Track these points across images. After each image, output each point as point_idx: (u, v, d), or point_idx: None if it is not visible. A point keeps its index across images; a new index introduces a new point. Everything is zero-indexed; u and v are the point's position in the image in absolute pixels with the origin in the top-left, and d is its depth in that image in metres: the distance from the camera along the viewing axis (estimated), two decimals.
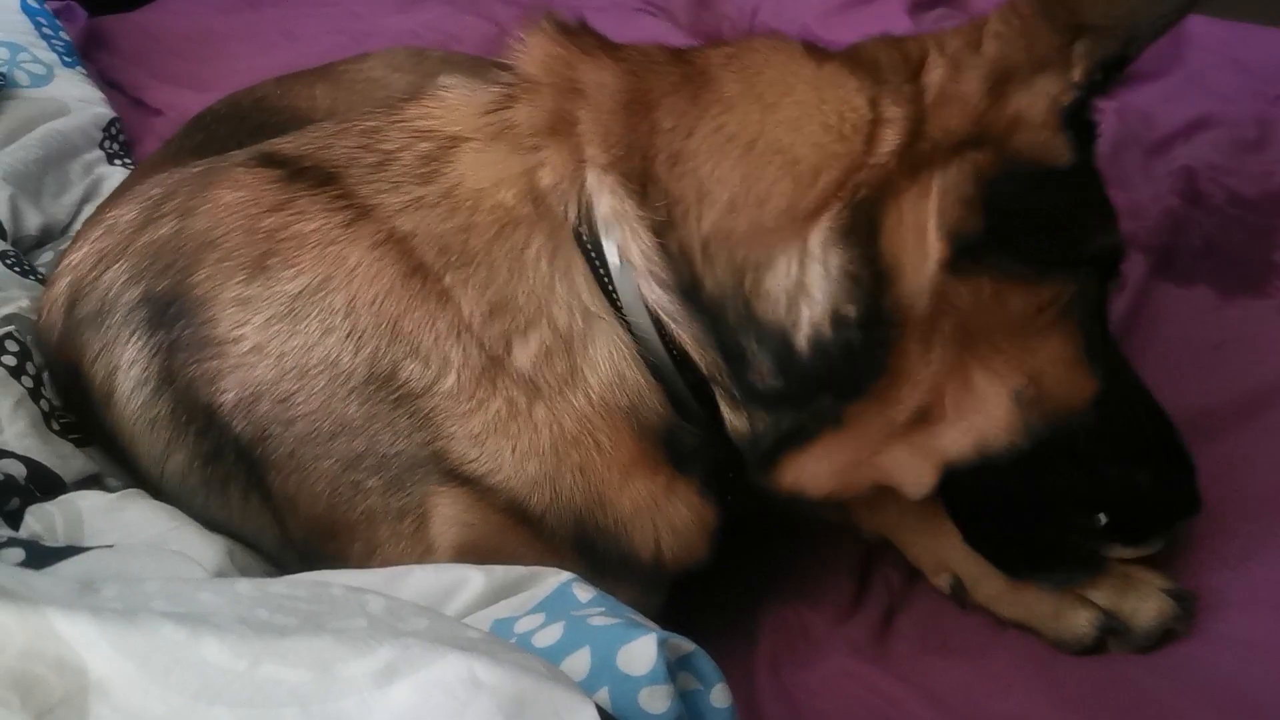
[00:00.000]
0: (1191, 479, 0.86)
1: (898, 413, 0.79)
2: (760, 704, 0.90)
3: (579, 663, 0.62)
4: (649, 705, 0.59)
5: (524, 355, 0.79)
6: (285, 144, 0.93)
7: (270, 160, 0.90)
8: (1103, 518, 0.86)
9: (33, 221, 1.43)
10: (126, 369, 0.88)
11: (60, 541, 0.82)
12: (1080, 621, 0.87)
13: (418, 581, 0.72)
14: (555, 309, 0.79)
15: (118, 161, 1.66)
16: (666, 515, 0.83)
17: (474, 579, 0.72)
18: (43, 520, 0.84)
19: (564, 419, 0.79)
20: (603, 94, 0.80)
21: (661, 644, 0.62)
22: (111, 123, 1.73)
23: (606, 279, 0.78)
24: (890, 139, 0.75)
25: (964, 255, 0.75)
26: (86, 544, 0.80)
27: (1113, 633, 0.87)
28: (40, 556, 0.73)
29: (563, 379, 0.79)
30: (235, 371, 0.82)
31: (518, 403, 0.79)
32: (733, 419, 0.80)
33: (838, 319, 0.75)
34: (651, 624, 0.67)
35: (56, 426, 0.97)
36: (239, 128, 1.24)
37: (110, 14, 2.23)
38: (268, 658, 0.51)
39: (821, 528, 1.03)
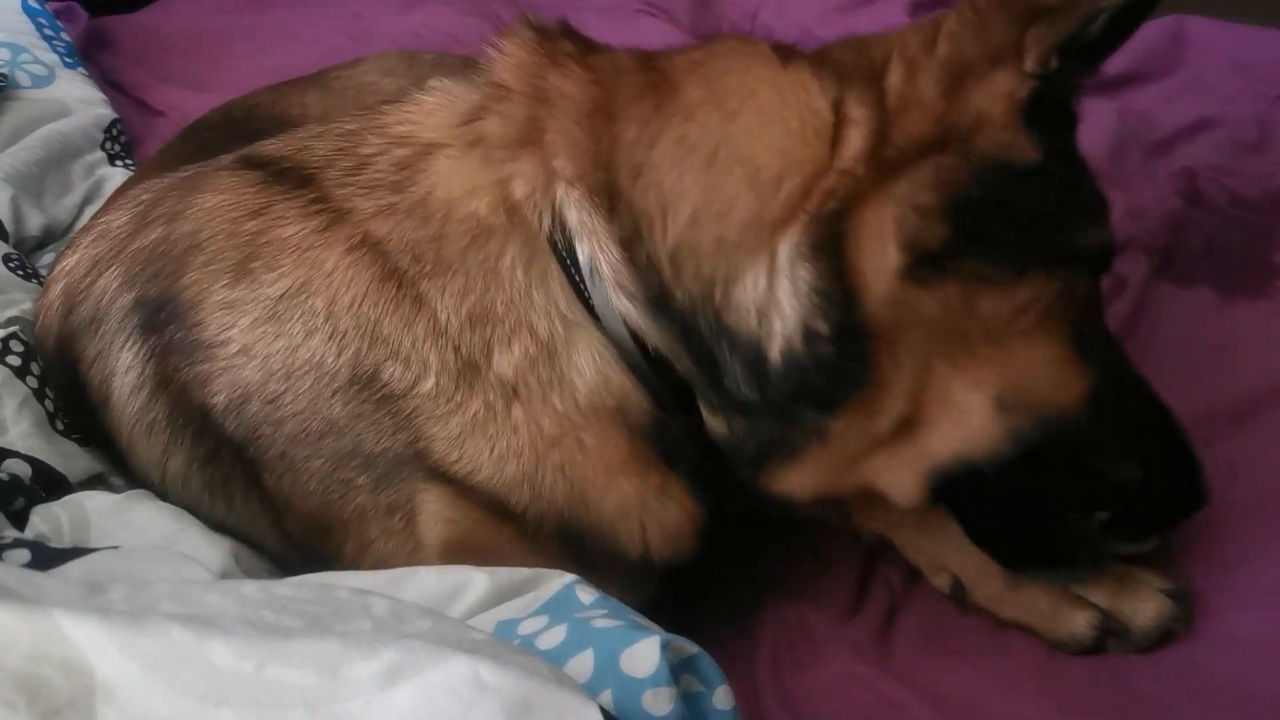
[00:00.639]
0: (1196, 474, 0.84)
1: (878, 423, 0.78)
2: (762, 705, 0.90)
3: (582, 665, 0.62)
4: (652, 707, 0.60)
5: (506, 363, 0.79)
6: (268, 146, 0.93)
7: (252, 163, 0.91)
8: (1103, 516, 0.84)
9: (34, 223, 1.43)
10: (123, 373, 0.89)
11: (66, 542, 0.82)
12: (1079, 622, 0.88)
13: (422, 583, 0.72)
14: (534, 317, 0.79)
15: (119, 163, 1.67)
16: (655, 512, 0.83)
17: (478, 581, 0.72)
18: (49, 521, 0.84)
19: (543, 421, 0.79)
20: (567, 104, 0.80)
21: (664, 646, 0.62)
22: (113, 124, 1.73)
23: (582, 286, 0.79)
24: (854, 141, 0.74)
25: (924, 264, 0.73)
26: (92, 545, 0.80)
27: (1112, 633, 0.87)
28: (46, 558, 0.73)
29: (546, 384, 0.79)
30: (225, 374, 0.83)
31: (495, 406, 0.79)
32: (712, 422, 0.80)
33: (809, 334, 0.74)
34: (655, 626, 0.67)
35: (60, 426, 0.98)
36: (232, 136, 1.25)
37: (112, 15, 2.23)
38: (273, 660, 0.51)
39: (821, 528, 1.03)
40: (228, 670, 0.50)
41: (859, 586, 1.00)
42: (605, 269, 0.77)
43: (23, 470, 0.89)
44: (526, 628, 0.67)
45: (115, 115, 1.76)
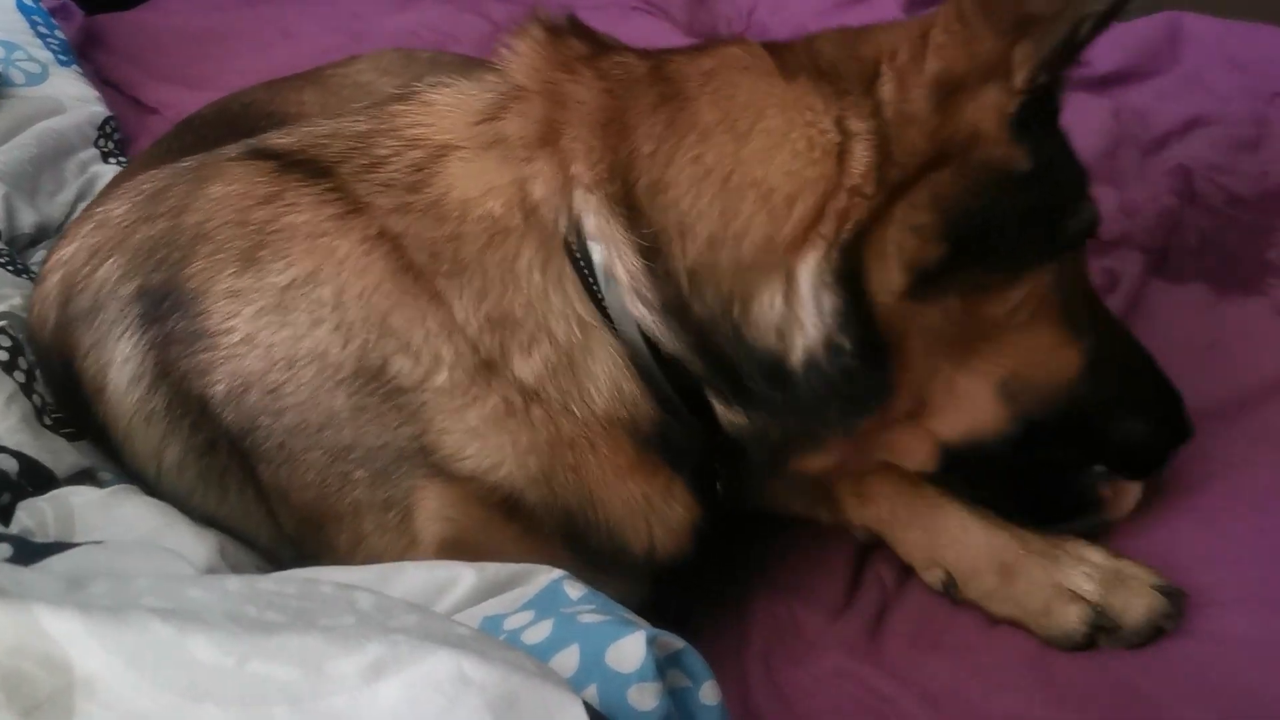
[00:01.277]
0: (1179, 408, 0.90)
1: (892, 414, 0.83)
2: (753, 701, 0.90)
3: (568, 660, 0.62)
4: (638, 702, 0.59)
5: (527, 369, 0.80)
6: (278, 139, 0.93)
7: (263, 154, 0.91)
8: (1100, 469, 0.90)
9: (27, 220, 1.43)
10: (120, 364, 0.88)
11: (51, 537, 0.82)
12: (1071, 618, 0.88)
13: (409, 579, 0.72)
14: (553, 320, 0.80)
15: (113, 160, 1.67)
16: (661, 513, 0.84)
17: (465, 576, 0.72)
18: (34, 515, 0.84)
19: (561, 423, 0.80)
20: (582, 110, 0.80)
21: (651, 641, 0.61)
22: (107, 121, 1.73)
23: (596, 288, 0.79)
24: (860, 156, 0.75)
25: (924, 283, 0.77)
26: (77, 540, 0.80)
27: (1103, 629, 0.87)
28: (28, 552, 0.73)
29: (565, 393, 0.80)
30: (226, 363, 0.83)
31: (515, 403, 0.80)
32: (730, 416, 0.81)
33: (833, 348, 0.76)
34: (641, 621, 0.67)
35: (49, 421, 0.97)
36: (228, 132, 1.24)
37: (106, 12, 2.23)
38: (256, 655, 0.51)
39: (812, 525, 1.03)
40: (210, 665, 0.50)
41: (850, 583, 1.00)
42: (623, 275, 0.78)
43: (9, 465, 0.89)
44: (513, 623, 0.67)
45: (109, 113, 1.76)
